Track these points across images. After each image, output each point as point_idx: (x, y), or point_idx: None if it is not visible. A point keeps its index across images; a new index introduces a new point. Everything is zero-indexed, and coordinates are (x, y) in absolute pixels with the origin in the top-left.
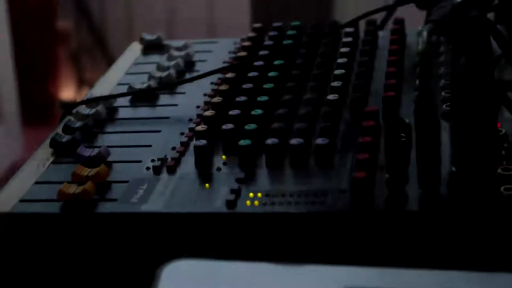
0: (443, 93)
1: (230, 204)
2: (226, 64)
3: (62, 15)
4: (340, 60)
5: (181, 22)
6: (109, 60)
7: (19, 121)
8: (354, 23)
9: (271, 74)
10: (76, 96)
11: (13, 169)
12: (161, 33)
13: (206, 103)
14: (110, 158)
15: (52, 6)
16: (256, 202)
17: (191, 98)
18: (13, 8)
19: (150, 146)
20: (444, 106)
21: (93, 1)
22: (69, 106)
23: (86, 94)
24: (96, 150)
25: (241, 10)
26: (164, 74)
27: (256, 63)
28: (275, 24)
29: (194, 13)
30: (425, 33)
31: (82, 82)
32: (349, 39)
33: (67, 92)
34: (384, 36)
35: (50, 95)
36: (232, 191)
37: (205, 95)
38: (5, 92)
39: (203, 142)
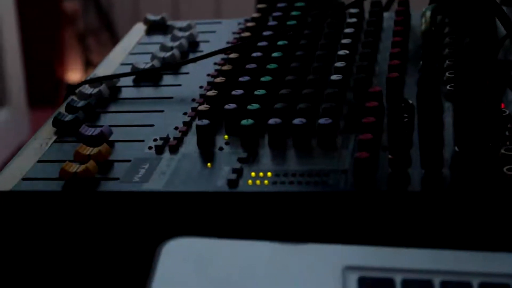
0: (447, 74)
1: (232, 183)
2: (229, 45)
3: None
4: (344, 41)
5: (187, 3)
6: (116, 42)
7: (26, 102)
8: (359, 3)
9: (274, 54)
10: (82, 77)
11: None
12: (167, 13)
13: (209, 83)
14: (112, 138)
15: None
16: (257, 182)
17: (194, 79)
18: None
19: (152, 125)
20: (448, 87)
21: None
22: (73, 87)
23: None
24: (98, 129)
25: None
26: (167, 54)
27: (259, 44)
28: (280, 5)
29: None
30: (428, 13)
31: (89, 63)
32: (354, 20)
33: (74, 74)
34: (389, 17)
35: (56, 77)
36: (234, 170)
37: (208, 75)
38: (11, 74)
39: (205, 121)
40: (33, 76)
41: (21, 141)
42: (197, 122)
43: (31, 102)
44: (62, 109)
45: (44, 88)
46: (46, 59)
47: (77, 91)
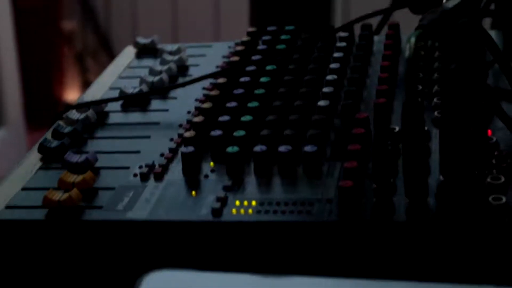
0: (435, 100)
1: (216, 212)
2: (218, 69)
3: (67, 16)
4: (333, 66)
5: (185, 25)
6: None
7: (23, 123)
8: (349, 27)
9: (263, 79)
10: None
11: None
12: (164, 35)
13: (196, 108)
14: (98, 164)
15: (56, 7)
16: (242, 211)
17: (182, 103)
18: (17, 9)
19: (138, 152)
20: (435, 113)
21: (98, 2)
22: (60, 113)
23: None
24: (83, 156)
25: (245, 11)
26: (156, 78)
27: (248, 68)
28: (269, 28)
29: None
30: (412, 40)
31: (87, 83)
32: (343, 44)
33: (72, 94)
34: (379, 40)
35: (54, 96)
36: (218, 199)
37: (196, 100)
38: (9, 94)
39: (190, 149)
40: (30, 95)
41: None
42: (182, 149)
43: (28, 121)
44: (48, 135)
45: (41, 108)
46: (43, 78)
47: (64, 116)
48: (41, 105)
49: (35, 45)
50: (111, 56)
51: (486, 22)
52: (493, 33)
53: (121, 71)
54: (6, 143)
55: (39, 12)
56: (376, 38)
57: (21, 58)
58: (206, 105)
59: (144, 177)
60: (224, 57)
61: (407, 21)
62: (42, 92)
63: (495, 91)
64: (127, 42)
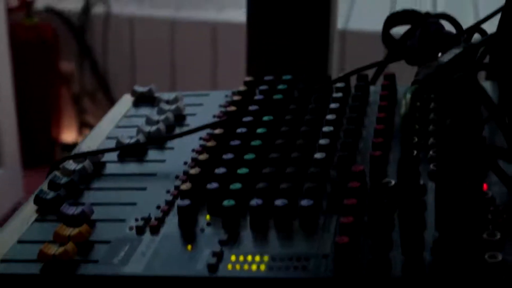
0: (430, 152)
1: (212, 267)
2: (215, 119)
3: (65, 57)
4: (329, 117)
5: (183, 68)
6: (112, 103)
7: (20, 162)
8: (345, 78)
9: (259, 130)
10: (77, 138)
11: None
12: (162, 78)
13: (193, 159)
14: (94, 216)
15: (54, 48)
16: (237, 266)
17: (179, 154)
18: (15, 49)
19: (135, 204)
20: (431, 166)
21: (96, 44)
22: (57, 162)
23: (75, 148)
24: (79, 209)
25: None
26: (153, 128)
27: (244, 119)
28: (266, 78)
29: (197, 59)
30: (408, 96)
31: (84, 124)
32: (340, 94)
33: (69, 135)
34: (375, 91)
35: (52, 137)
36: (214, 254)
37: (193, 151)
38: (6, 134)
39: (186, 202)
40: (28, 136)
41: (16, 203)
42: (178, 202)
43: (26, 162)
44: (44, 186)
45: (39, 149)
46: (41, 119)
47: (61, 166)
48: (38, 145)
49: (32, 85)
50: (109, 97)
51: (481, 72)
52: (488, 84)
53: (118, 120)
54: (3, 182)
55: (37, 53)
56: (372, 88)
57: (19, 98)
58: (203, 156)
59: (140, 231)
60: (221, 106)
61: (403, 70)
62: (39, 133)
63: (491, 147)
64: (124, 84)
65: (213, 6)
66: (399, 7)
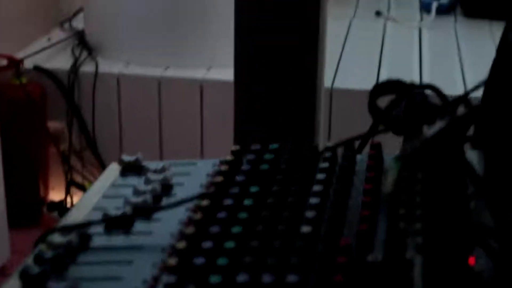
0: (417, 225)
1: None
2: (202, 189)
3: (54, 116)
4: (316, 188)
5: (170, 126)
6: (100, 162)
7: (7, 223)
8: (332, 149)
9: (246, 202)
10: (65, 198)
11: (1, 274)
12: (148, 139)
13: (180, 232)
14: None
15: (43, 107)
16: None
17: (166, 226)
18: (3, 109)
19: (120, 279)
20: (418, 239)
21: (84, 103)
22: (43, 235)
23: (61, 220)
24: (66, 285)
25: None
26: (140, 199)
27: (231, 190)
28: (253, 147)
29: (185, 128)
30: (394, 172)
31: (72, 183)
32: (326, 164)
33: (57, 194)
34: (361, 159)
35: (39, 196)
36: None
37: (180, 222)
38: None
39: (172, 279)
40: (15, 195)
41: (2, 264)
42: (164, 278)
43: (12, 222)
44: (29, 260)
45: (26, 208)
46: (29, 178)
47: (47, 239)
48: (26, 204)
49: (20, 144)
50: (97, 156)
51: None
52: (474, 154)
53: (105, 189)
54: None
55: (26, 112)
56: (358, 156)
57: (6, 156)
58: (189, 230)
59: None
60: (208, 175)
61: (389, 137)
62: (27, 192)
63: (481, 228)
64: (112, 144)
65: (202, 65)
66: (384, 68)
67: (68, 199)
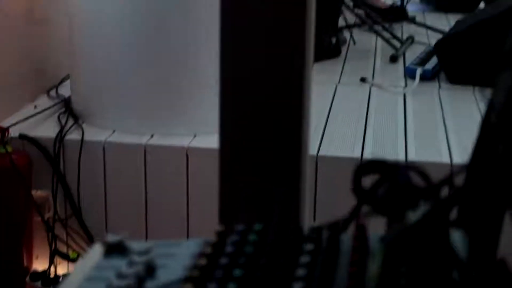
0: None
1: None
2: (185, 272)
3: (39, 184)
4: (300, 272)
5: (155, 193)
6: (84, 231)
7: None
8: (317, 231)
9: (230, 286)
10: (48, 268)
11: None
12: (132, 208)
13: None
14: None
15: (28, 176)
16: None
17: None
18: None
19: None
20: None
21: (69, 171)
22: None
23: None
24: None
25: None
26: (123, 283)
27: (215, 274)
28: (238, 228)
29: (170, 183)
30: (378, 259)
31: (57, 253)
32: (311, 246)
33: (41, 263)
34: (347, 238)
35: (22, 266)
36: None
37: None
38: None
39: None
40: None
41: None
42: None
43: None
44: None
45: (9, 278)
46: (12, 248)
47: None
48: (9, 274)
49: (4, 213)
50: (81, 224)
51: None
52: (458, 234)
53: (88, 272)
54: None
55: (11, 180)
56: (343, 235)
57: None
58: None
59: None
60: (193, 256)
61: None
62: (10, 262)
63: None
64: (97, 212)
65: (187, 133)
66: (369, 134)
67: (52, 269)
